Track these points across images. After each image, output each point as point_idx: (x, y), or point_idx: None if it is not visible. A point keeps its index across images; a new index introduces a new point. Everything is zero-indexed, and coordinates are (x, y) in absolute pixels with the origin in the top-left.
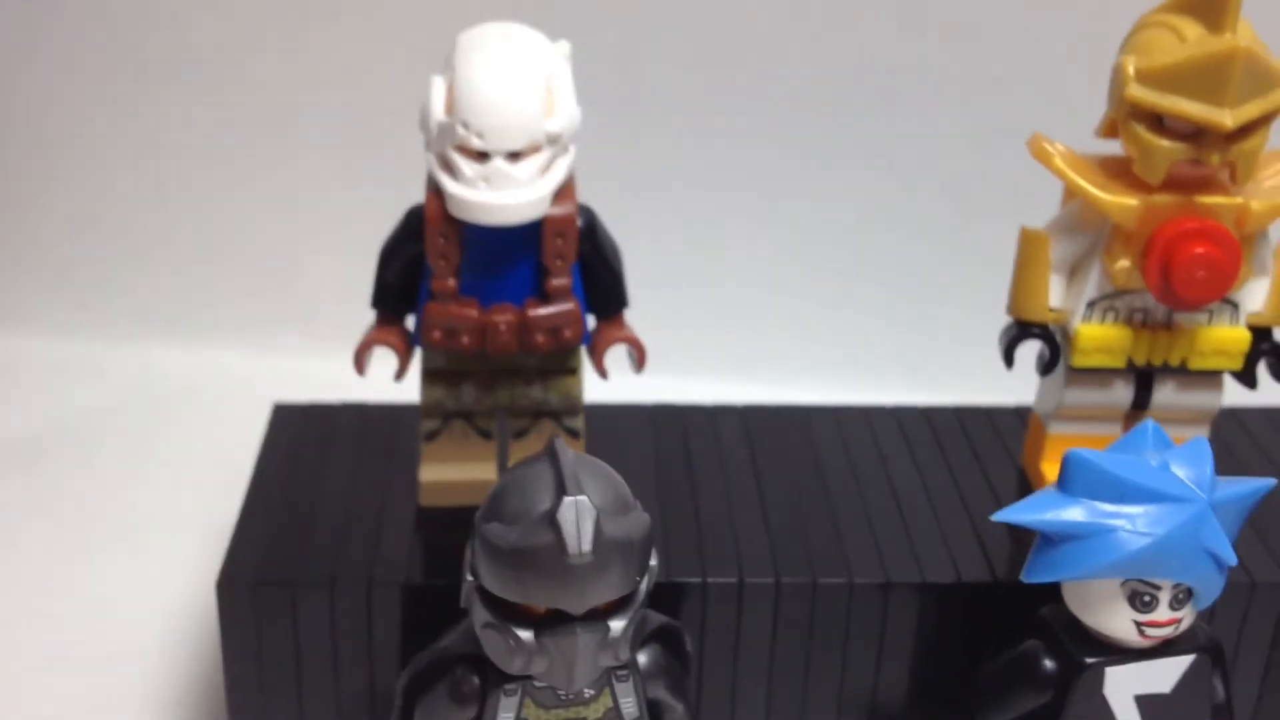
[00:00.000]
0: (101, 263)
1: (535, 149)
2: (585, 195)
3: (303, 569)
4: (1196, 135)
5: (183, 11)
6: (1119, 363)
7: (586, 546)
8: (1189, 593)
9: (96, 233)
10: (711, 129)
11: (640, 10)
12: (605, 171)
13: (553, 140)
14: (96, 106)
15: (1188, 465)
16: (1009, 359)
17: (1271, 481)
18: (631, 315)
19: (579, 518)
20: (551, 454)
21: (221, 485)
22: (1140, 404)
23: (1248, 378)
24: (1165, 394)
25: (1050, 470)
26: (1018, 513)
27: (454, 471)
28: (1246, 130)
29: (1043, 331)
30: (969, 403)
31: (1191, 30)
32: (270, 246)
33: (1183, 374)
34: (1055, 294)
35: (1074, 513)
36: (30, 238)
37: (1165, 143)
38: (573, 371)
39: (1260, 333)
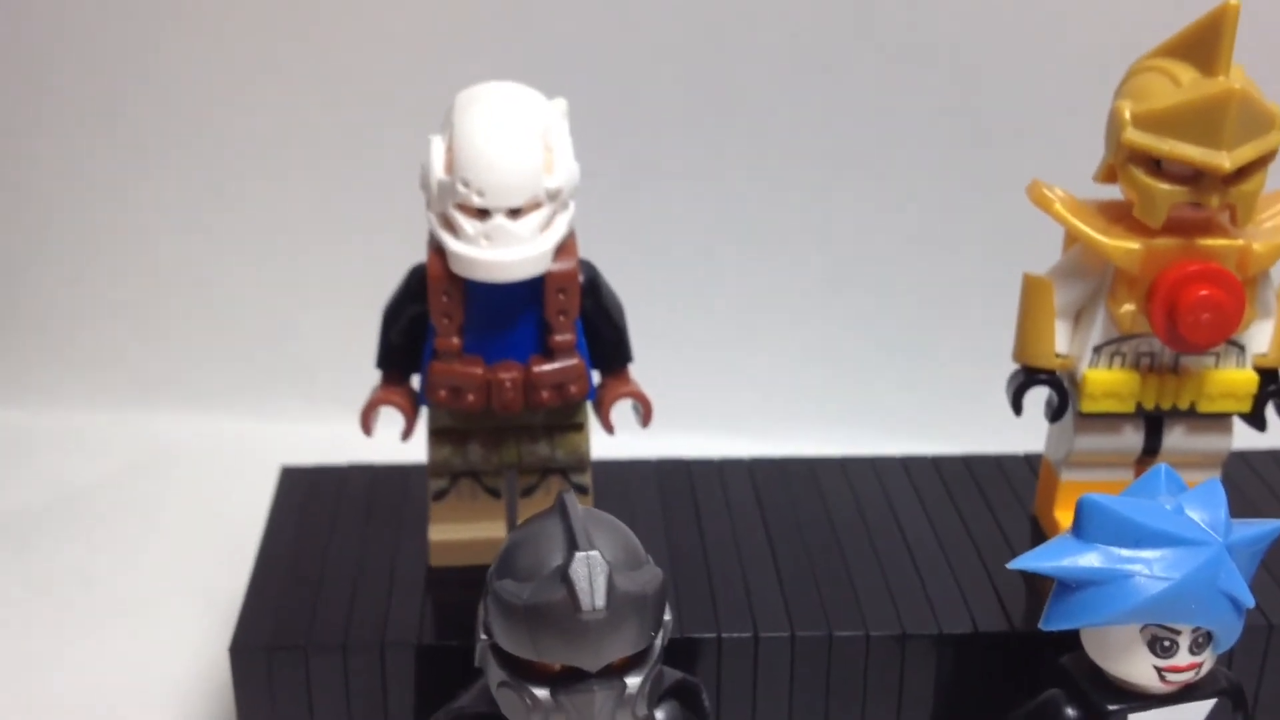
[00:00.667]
0: (101, 333)
1: (535, 205)
2: (586, 252)
3: (315, 632)
4: (1195, 178)
5: (174, 78)
6: (1128, 407)
7: (600, 602)
8: (1208, 637)
9: (95, 303)
10: (712, 184)
11: (636, 68)
12: (606, 228)
13: (553, 196)
14: (93, 177)
15: (1202, 508)
16: (1017, 406)
17: None
18: (635, 372)
19: (591, 573)
20: (561, 509)
21: (228, 553)
22: (1151, 449)
23: (1256, 420)
24: (1175, 438)
25: (1064, 517)
26: (1034, 560)
27: (463, 531)
28: (1244, 172)
29: (1050, 378)
30: (975, 452)
31: (1185, 74)
32: (269, 312)
33: (1192, 417)
34: (1061, 339)
35: (1090, 559)
36: (29, 310)
37: (1164, 186)
38: (579, 428)
39: (1267, 374)
